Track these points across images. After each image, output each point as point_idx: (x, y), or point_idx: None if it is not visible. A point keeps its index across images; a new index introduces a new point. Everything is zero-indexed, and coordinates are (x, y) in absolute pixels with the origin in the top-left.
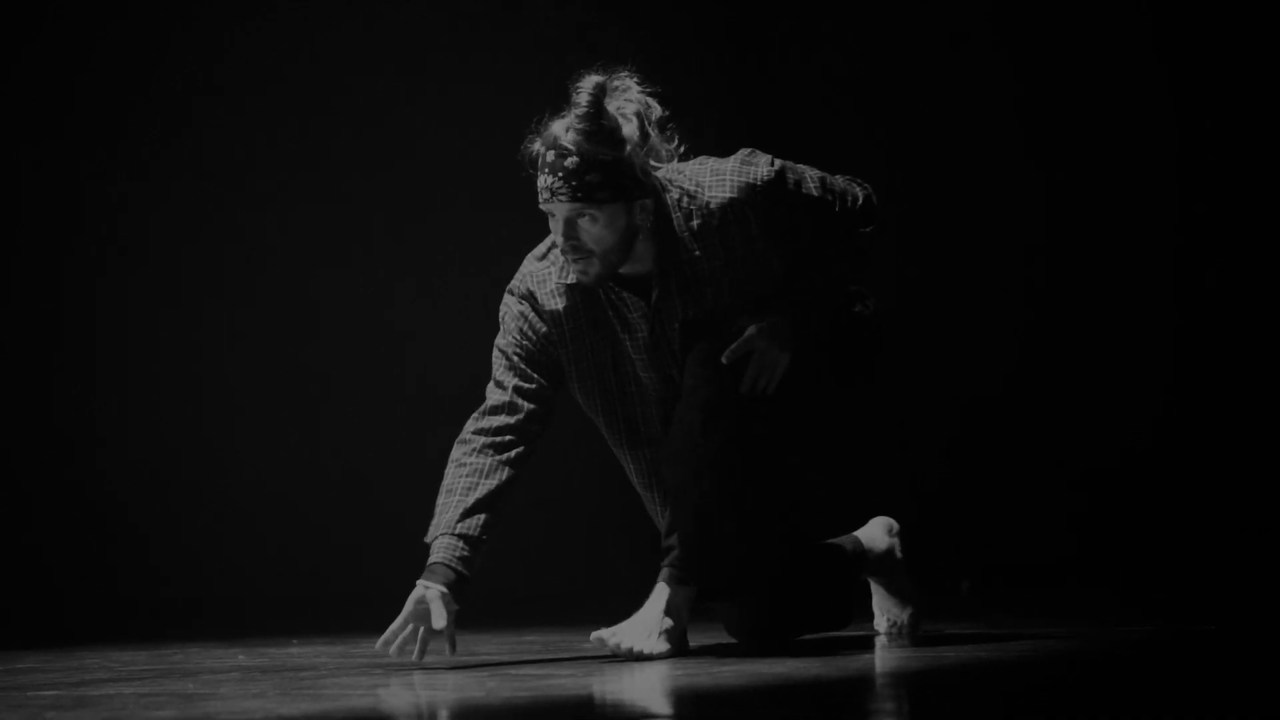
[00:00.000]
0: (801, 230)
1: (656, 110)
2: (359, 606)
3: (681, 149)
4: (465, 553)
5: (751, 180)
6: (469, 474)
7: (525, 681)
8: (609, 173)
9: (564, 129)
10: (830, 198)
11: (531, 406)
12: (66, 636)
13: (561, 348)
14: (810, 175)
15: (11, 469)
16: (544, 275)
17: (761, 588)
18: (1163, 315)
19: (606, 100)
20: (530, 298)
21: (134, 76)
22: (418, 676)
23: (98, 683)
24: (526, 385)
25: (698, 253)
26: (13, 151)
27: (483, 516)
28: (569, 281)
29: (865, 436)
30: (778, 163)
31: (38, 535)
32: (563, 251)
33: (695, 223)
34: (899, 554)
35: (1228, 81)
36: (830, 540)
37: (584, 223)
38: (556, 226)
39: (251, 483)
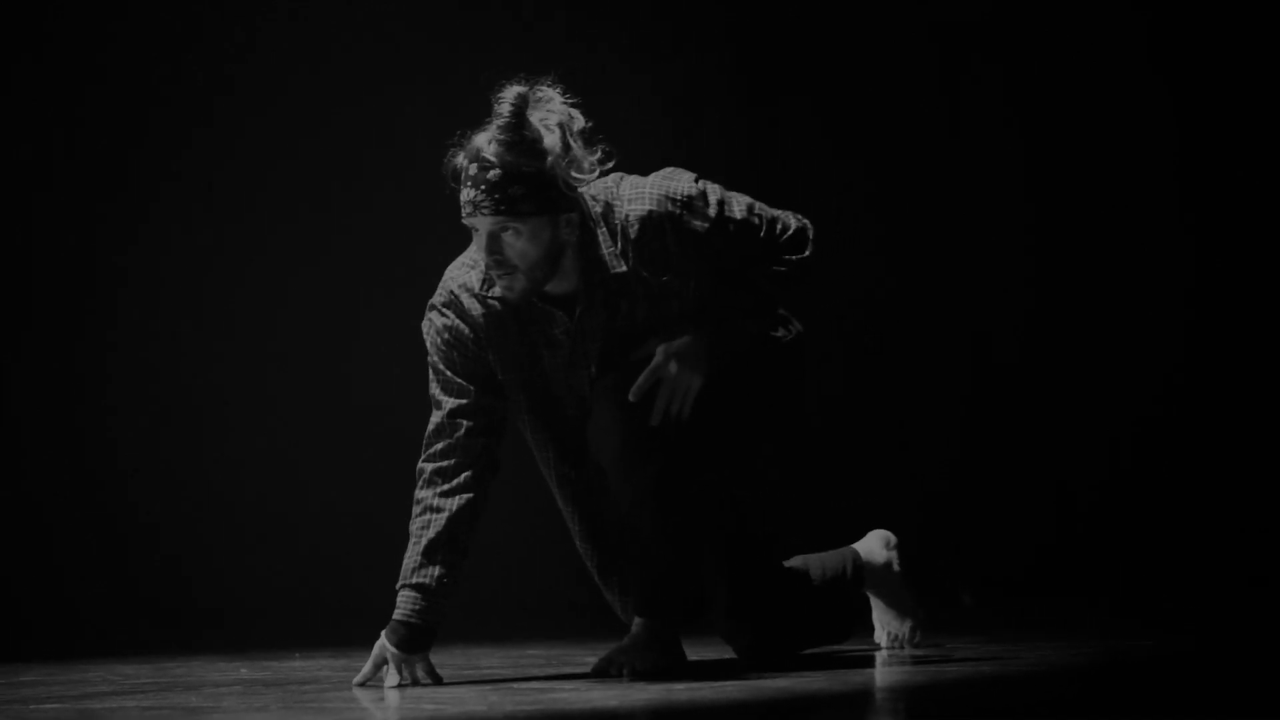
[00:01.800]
0: (723, 253)
1: (579, 121)
2: (362, 620)
3: (610, 163)
4: (421, 604)
5: (669, 194)
6: (421, 512)
7: (528, 695)
8: (532, 185)
9: (486, 141)
10: (756, 222)
11: (471, 422)
12: (69, 649)
13: (491, 352)
14: (738, 199)
15: (22, 477)
16: (468, 281)
17: (747, 606)
18: (1167, 317)
19: (529, 111)
20: (454, 304)
21: (141, 84)
22: (420, 691)
23: (100, 696)
24: (462, 401)
25: (619, 268)
26: (22, 163)
27: (440, 556)
28: (494, 295)
29: (796, 459)
30: (701, 182)
31: (47, 547)
32: (487, 268)
33: (616, 237)
34: (897, 567)
35: (1227, 83)
36: (825, 554)
37: (508, 237)
38: (480, 241)
39: (254, 496)
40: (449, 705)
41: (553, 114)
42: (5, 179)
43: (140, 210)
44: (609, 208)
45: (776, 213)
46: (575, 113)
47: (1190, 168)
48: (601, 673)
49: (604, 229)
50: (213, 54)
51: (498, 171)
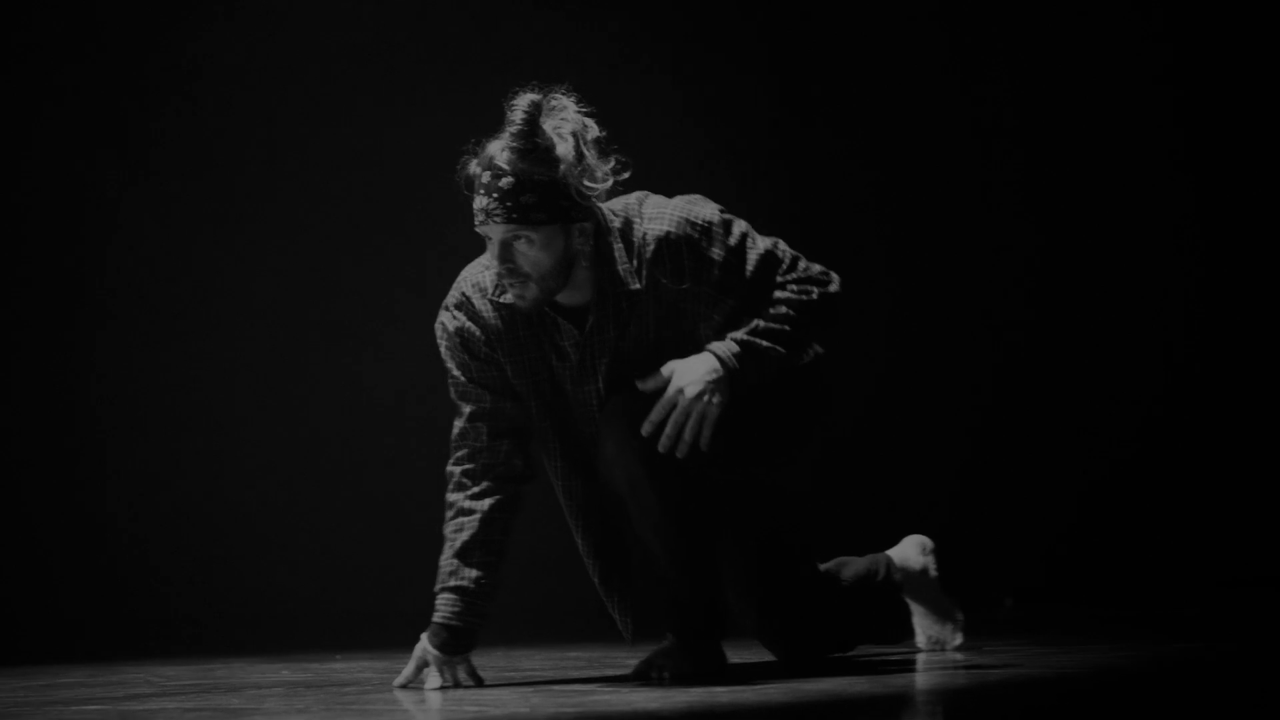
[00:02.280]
0: (743, 284)
1: (593, 130)
2: (402, 622)
3: (625, 173)
4: (460, 606)
5: (690, 217)
6: (454, 515)
7: (569, 697)
8: (545, 193)
9: (499, 149)
10: (780, 254)
11: (491, 425)
12: (110, 652)
13: (502, 355)
14: (762, 236)
15: (49, 481)
16: (481, 281)
17: (781, 613)
18: (1187, 316)
19: (542, 119)
20: (465, 305)
21: (131, 78)
22: (462, 693)
23: (142, 697)
24: (480, 405)
25: (634, 285)
26: (12, 157)
27: (475, 558)
28: (505, 301)
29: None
30: (726, 213)
31: (84, 554)
32: (499, 275)
33: (632, 255)
34: (934, 572)
35: (1227, 84)
36: (858, 558)
37: (520, 245)
38: (493, 250)
39: (287, 500)
40: (491, 707)
41: (566, 122)
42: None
43: (131, 212)
44: (629, 224)
45: (801, 257)
46: (589, 121)
47: (1194, 166)
48: (642, 675)
49: (621, 245)
50: (221, 53)
51: (510, 179)
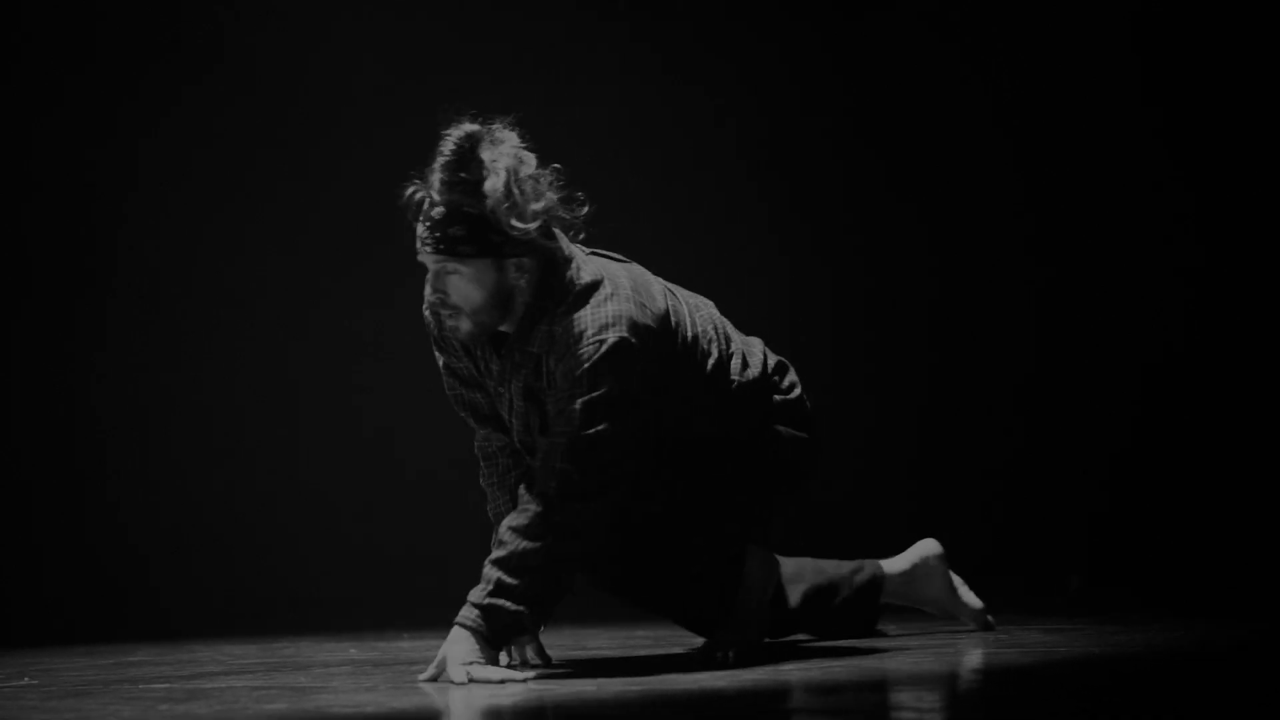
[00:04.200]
0: (553, 426)
1: (529, 166)
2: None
3: (570, 212)
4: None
5: (594, 343)
6: (485, 499)
7: (637, 676)
8: (474, 227)
9: (432, 178)
10: (588, 441)
11: (472, 413)
12: (178, 630)
13: (467, 359)
14: (609, 407)
15: (106, 468)
16: None
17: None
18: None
19: (481, 150)
20: (435, 311)
21: (133, 78)
22: (530, 670)
23: (210, 676)
24: (456, 393)
25: (532, 348)
26: (14, 156)
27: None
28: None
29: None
30: (616, 354)
31: (145, 527)
32: (433, 305)
33: (555, 320)
34: (928, 573)
35: (1223, 85)
36: (832, 567)
37: (452, 278)
38: (428, 279)
39: (354, 478)
40: (558, 685)
41: (502, 156)
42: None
43: (132, 209)
44: (582, 294)
45: (607, 460)
46: (528, 156)
47: (1186, 171)
48: (708, 655)
49: (558, 303)
50: (226, 52)
51: (440, 209)
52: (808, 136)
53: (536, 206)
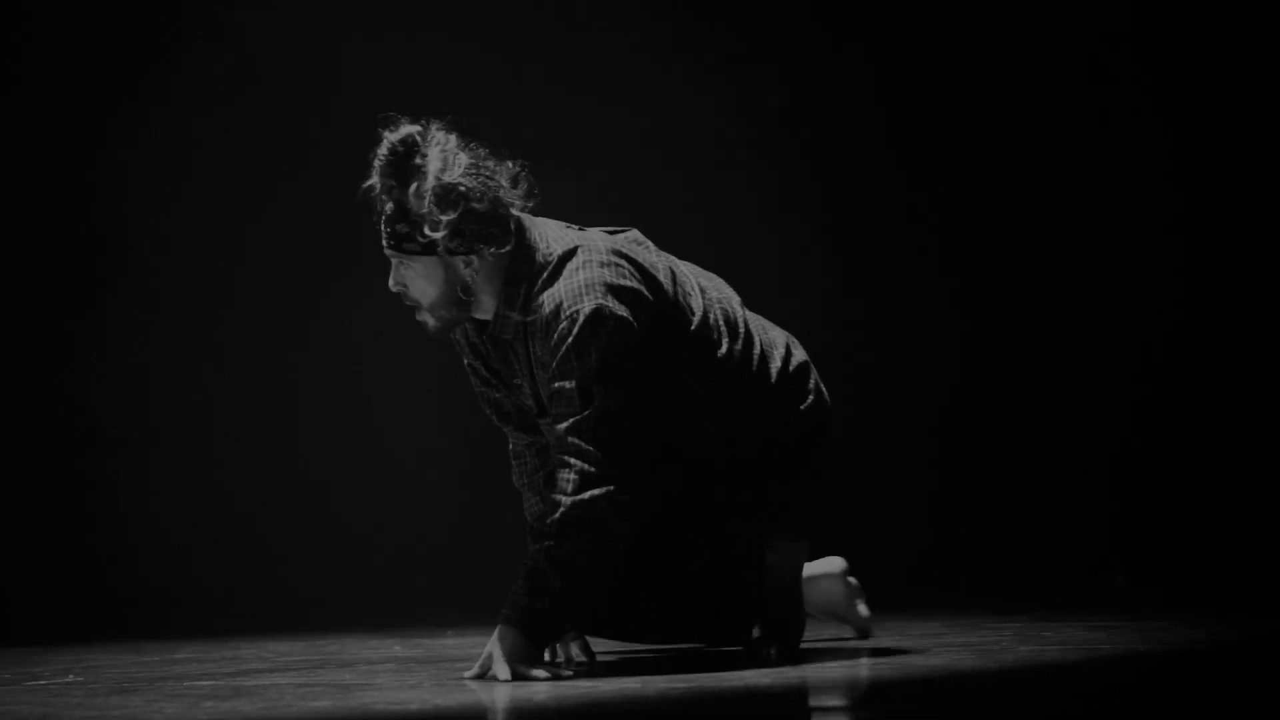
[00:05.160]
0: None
1: (455, 171)
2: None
3: (531, 203)
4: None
5: (573, 303)
6: (524, 505)
7: (682, 673)
8: (418, 225)
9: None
10: (587, 396)
11: (495, 410)
12: (222, 627)
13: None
14: (596, 366)
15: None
16: None
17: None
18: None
19: (422, 149)
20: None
21: (135, 78)
22: (573, 669)
23: (254, 673)
24: (478, 390)
25: (505, 335)
26: (17, 156)
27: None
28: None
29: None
30: (607, 308)
31: (179, 526)
32: (403, 299)
33: (529, 303)
34: (831, 582)
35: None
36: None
37: (407, 274)
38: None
39: (400, 476)
40: (603, 683)
41: (430, 160)
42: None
43: (133, 209)
44: (554, 271)
45: (617, 435)
46: (458, 160)
47: (1185, 172)
48: (753, 652)
49: (525, 287)
50: (230, 52)
51: (391, 205)
52: (839, 141)
53: (447, 218)
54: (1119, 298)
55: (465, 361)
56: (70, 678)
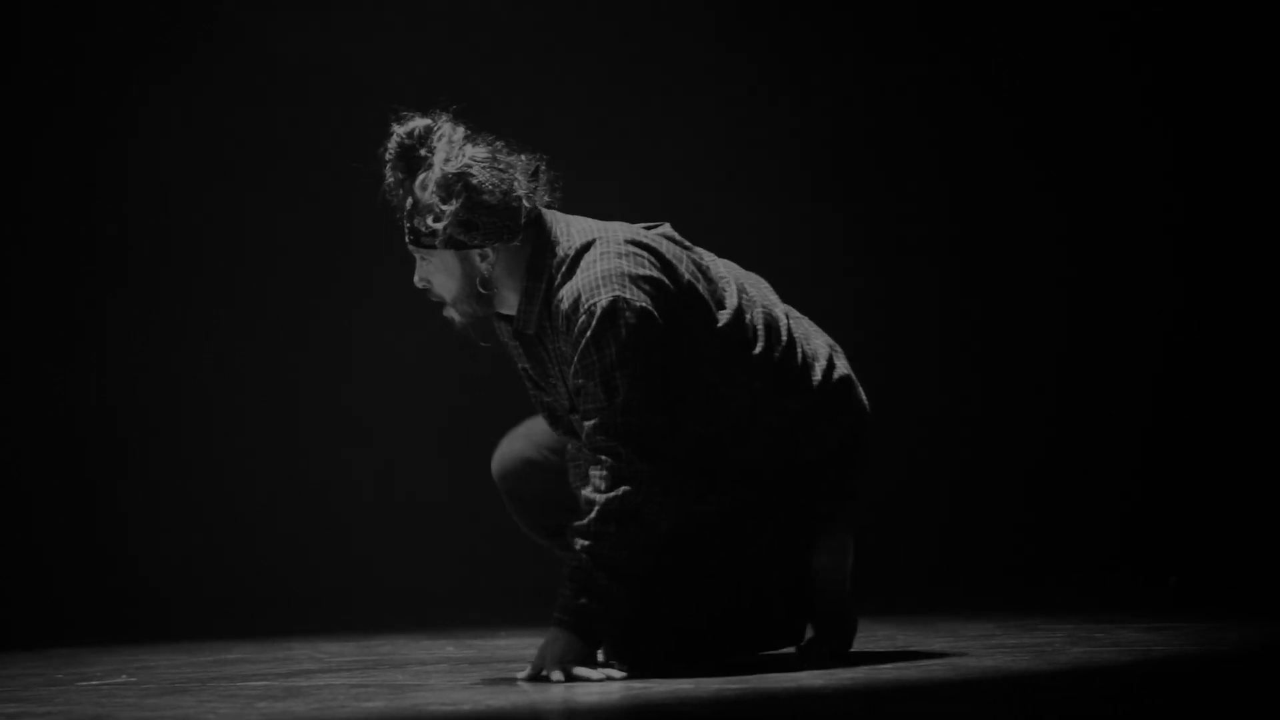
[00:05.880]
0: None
1: (457, 164)
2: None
3: (552, 197)
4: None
5: (590, 295)
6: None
7: (735, 675)
8: (437, 220)
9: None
10: (610, 388)
11: (546, 412)
12: (275, 628)
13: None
14: (632, 358)
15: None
16: None
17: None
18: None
19: (430, 142)
20: None
21: (133, 76)
22: (627, 669)
23: (307, 673)
24: (540, 399)
25: (529, 330)
26: (15, 155)
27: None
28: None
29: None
30: (626, 298)
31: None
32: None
33: (550, 297)
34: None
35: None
36: None
37: (428, 268)
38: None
39: (450, 476)
40: (656, 684)
41: (434, 154)
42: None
43: (133, 210)
44: (573, 263)
45: (644, 427)
46: (461, 154)
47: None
48: (807, 652)
49: (545, 284)
50: (225, 51)
51: (410, 201)
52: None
53: (449, 209)
54: (1149, 294)
55: (519, 366)
56: (123, 678)
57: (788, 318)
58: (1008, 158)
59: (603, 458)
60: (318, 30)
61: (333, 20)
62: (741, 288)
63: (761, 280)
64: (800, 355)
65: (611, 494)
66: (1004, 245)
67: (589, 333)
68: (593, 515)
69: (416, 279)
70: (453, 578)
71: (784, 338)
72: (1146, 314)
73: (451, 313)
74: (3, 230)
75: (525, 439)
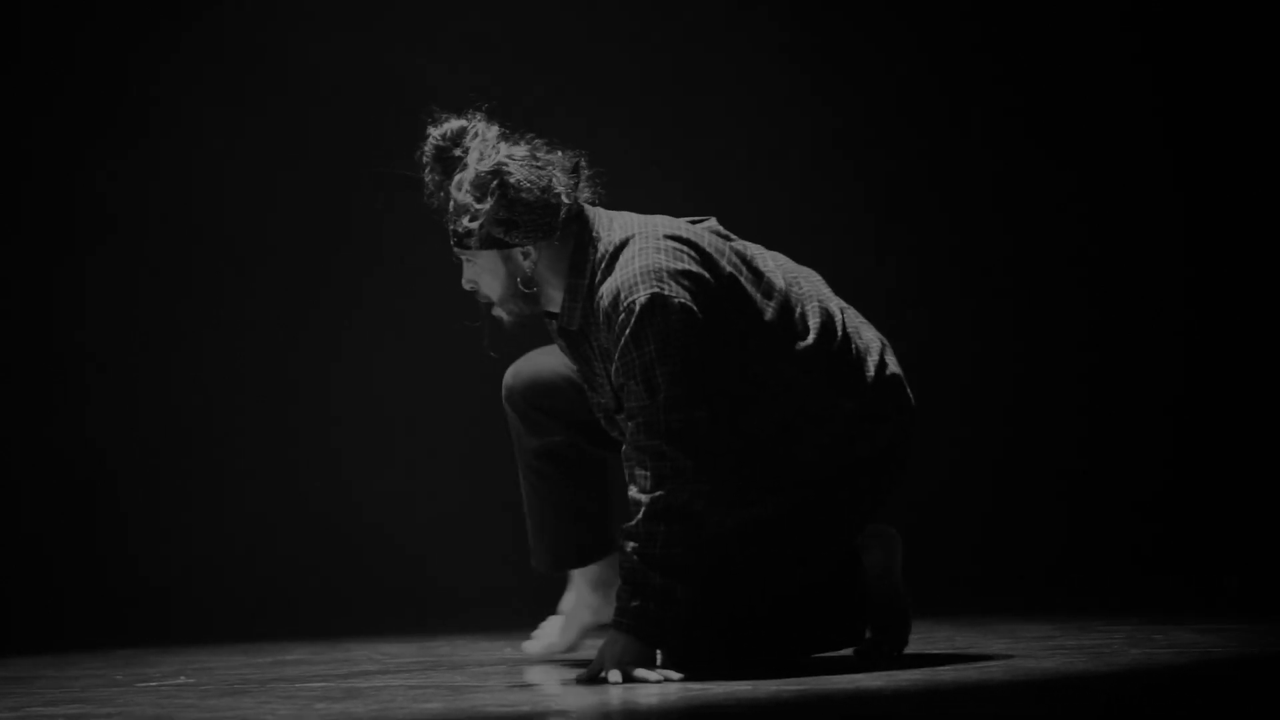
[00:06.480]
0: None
1: (489, 163)
2: None
3: (593, 193)
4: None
5: (626, 291)
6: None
7: (792, 676)
8: (473, 220)
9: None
10: (652, 385)
11: (610, 423)
12: (334, 629)
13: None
14: (669, 344)
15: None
16: None
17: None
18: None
19: (464, 143)
20: None
21: (126, 75)
22: (684, 670)
23: (366, 675)
24: (598, 401)
25: (573, 326)
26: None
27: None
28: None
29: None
30: (662, 294)
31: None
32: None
33: (592, 295)
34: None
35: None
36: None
37: (474, 269)
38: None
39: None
40: (714, 685)
41: (469, 153)
42: None
43: (134, 209)
44: (611, 260)
45: (687, 425)
46: (493, 153)
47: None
48: (864, 653)
49: (587, 281)
50: (225, 51)
51: (452, 203)
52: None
53: (483, 207)
54: (1179, 294)
55: (577, 369)
56: (182, 679)
57: (842, 312)
58: (1044, 159)
59: (645, 457)
60: (310, 31)
61: (332, 20)
62: (793, 280)
63: (814, 274)
64: (854, 350)
65: (655, 494)
66: (1036, 248)
67: (629, 329)
68: (640, 516)
69: (464, 281)
70: (512, 579)
71: (839, 333)
72: (1208, 311)
73: (500, 312)
74: (3, 230)
75: (554, 355)
